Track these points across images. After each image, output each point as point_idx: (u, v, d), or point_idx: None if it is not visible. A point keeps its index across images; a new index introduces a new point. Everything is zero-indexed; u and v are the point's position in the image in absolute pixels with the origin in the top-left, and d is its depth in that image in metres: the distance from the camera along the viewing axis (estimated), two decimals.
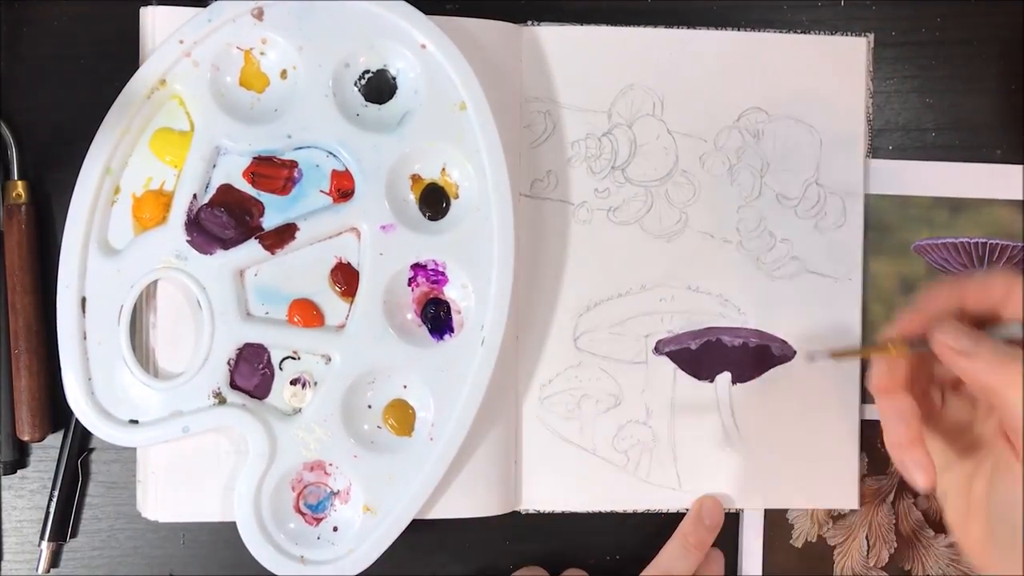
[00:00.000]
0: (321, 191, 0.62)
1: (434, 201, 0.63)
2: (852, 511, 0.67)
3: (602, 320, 0.66)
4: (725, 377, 0.66)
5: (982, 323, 0.52)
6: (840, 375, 0.67)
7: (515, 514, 0.66)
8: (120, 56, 0.63)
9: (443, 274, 0.63)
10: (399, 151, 0.62)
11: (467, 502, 0.64)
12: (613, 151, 0.66)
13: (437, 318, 0.63)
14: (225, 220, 0.61)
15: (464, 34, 0.63)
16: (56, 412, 0.63)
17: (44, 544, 0.64)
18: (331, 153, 0.62)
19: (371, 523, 0.61)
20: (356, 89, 0.63)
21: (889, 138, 0.68)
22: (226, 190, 0.62)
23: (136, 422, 0.60)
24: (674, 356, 0.66)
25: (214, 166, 0.62)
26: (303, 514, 0.62)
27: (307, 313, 0.62)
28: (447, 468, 0.61)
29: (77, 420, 0.62)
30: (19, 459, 0.64)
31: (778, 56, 0.67)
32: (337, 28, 0.61)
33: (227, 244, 0.61)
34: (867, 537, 0.68)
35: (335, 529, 0.62)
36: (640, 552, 0.66)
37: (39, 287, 0.63)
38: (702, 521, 0.66)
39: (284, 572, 0.60)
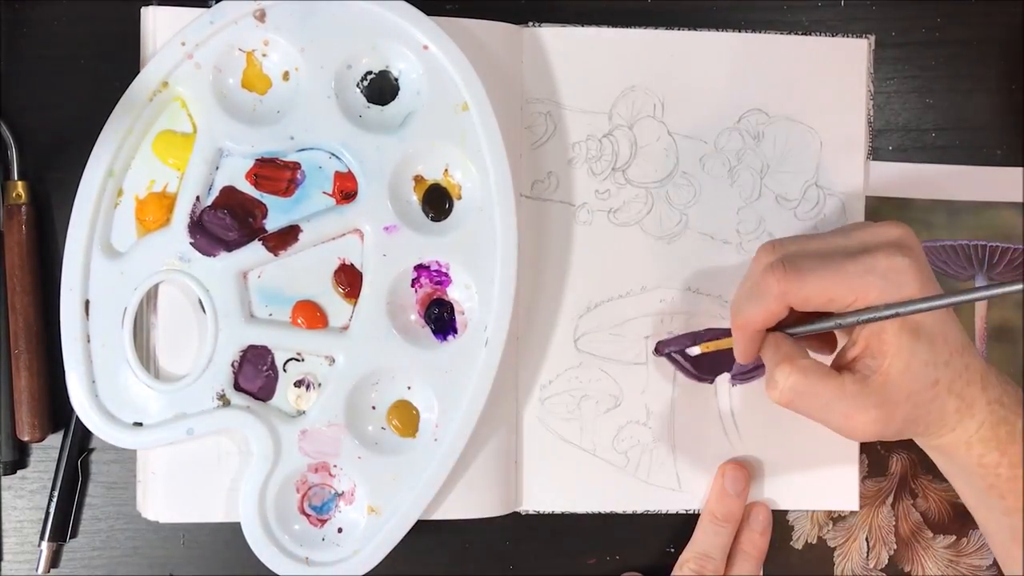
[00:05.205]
0: (324, 192, 0.62)
1: (437, 202, 0.63)
2: (852, 512, 0.68)
3: (602, 321, 0.66)
4: (725, 378, 0.67)
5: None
6: None
7: (515, 514, 0.66)
8: (121, 57, 0.63)
9: (446, 275, 0.63)
10: (402, 152, 0.62)
11: (468, 503, 0.64)
12: (614, 152, 0.66)
13: (440, 319, 0.63)
14: (228, 222, 0.61)
15: (465, 35, 0.63)
16: (56, 412, 0.63)
17: (44, 544, 0.63)
18: (334, 154, 0.62)
19: (376, 524, 0.61)
20: (358, 90, 0.63)
21: (889, 139, 0.68)
22: (229, 192, 0.62)
23: (140, 424, 0.60)
24: (674, 357, 0.66)
25: (217, 168, 0.61)
26: (307, 515, 0.62)
27: (311, 315, 0.62)
28: (451, 468, 0.62)
29: (77, 420, 0.62)
30: (19, 459, 0.64)
31: (779, 58, 0.67)
32: (339, 29, 0.61)
33: (230, 246, 0.61)
34: (867, 539, 0.68)
35: (340, 530, 0.62)
36: (640, 552, 0.67)
37: (39, 287, 0.63)
38: (726, 492, 0.65)
39: (289, 573, 0.60)
